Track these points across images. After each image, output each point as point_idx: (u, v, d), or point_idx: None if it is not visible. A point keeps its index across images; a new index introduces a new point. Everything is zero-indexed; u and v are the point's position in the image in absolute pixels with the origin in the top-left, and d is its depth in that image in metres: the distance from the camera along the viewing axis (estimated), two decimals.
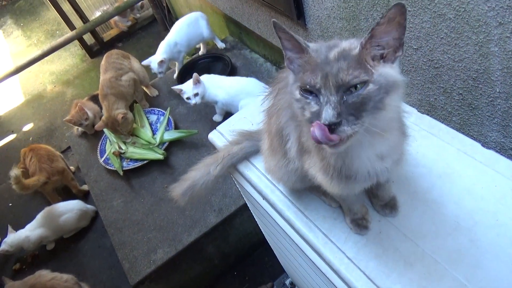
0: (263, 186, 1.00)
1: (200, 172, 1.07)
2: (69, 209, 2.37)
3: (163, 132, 2.13)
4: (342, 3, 1.38)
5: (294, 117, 0.70)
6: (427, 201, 0.81)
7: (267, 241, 1.85)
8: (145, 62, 2.38)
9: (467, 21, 0.98)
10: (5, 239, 2.29)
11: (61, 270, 2.13)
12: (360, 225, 0.81)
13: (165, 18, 3.76)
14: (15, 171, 2.23)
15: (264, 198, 1.01)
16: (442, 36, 1.07)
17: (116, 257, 2.23)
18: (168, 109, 2.25)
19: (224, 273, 1.99)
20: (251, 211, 1.36)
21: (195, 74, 1.99)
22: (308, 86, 0.57)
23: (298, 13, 1.65)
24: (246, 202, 1.36)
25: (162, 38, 2.55)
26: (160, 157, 2.02)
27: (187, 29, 2.50)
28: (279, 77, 0.78)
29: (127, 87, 2.22)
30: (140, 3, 3.93)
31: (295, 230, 0.91)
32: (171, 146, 2.11)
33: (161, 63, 2.33)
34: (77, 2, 3.69)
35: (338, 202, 0.88)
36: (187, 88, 2.01)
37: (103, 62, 2.29)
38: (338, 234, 0.84)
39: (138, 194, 1.98)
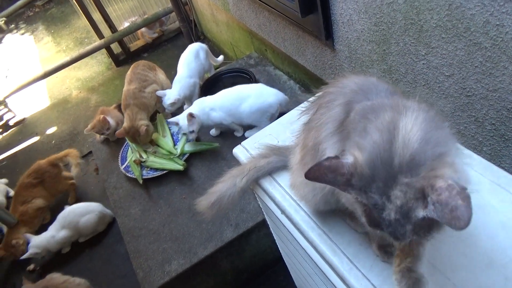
0: (287, 205, 0.99)
1: (226, 185, 1.07)
2: (90, 210, 2.40)
3: (184, 143, 2.15)
4: (373, 26, 1.38)
5: (335, 132, 0.70)
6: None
7: (282, 260, 1.83)
8: (159, 93, 2.27)
9: (504, 51, 0.97)
10: (30, 244, 2.31)
11: (74, 274, 2.15)
12: (387, 252, 0.79)
13: (191, 31, 3.84)
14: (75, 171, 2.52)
15: (287, 217, 1.00)
16: (476, 65, 1.06)
17: (129, 265, 2.23)
18: None
19: None
20: (271, 229, 1.34)
21: (188, 113, 1.96)
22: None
23: (327, 34, 1.66)
24: (266, 219, 1.35)
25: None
26: (180, 168, 2.03)
27: (195, 61, 2.49)
28: (324, 92, 0.78)
29: (149, 98, 2.26)
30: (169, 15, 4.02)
31: (319, 253, 0.89)
32: (191, 157, 2.13)
33: (173, 104, 2.24)
34: (107, 12, 3.80)
35: (365, 228, 0.87)
36: (184, 124, 1.98)
37: (129, 72, 2.34)
38: (364, 260, 0.82)
39: (156, 204, 1.99)
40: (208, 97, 2.09)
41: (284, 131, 1.19)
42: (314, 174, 0.56)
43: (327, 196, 0.81)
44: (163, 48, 4.10)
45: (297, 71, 2.36)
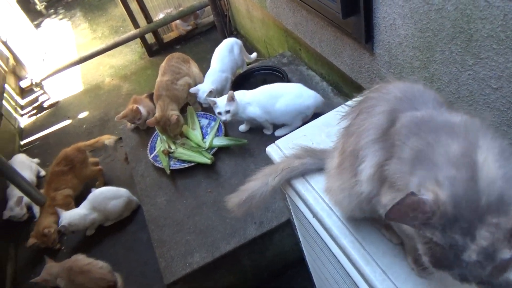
0: (319, 208, 0.98)
1: (258, 183, 1.07)
2: (118, 195, 2.46)
3: (213, 137, 2.16)
4: (417, 32, 1.34)
5: (377, 140, 0.68)
6: None
7: (303, 262, 1.82)
8: (193, 90, 2.31)
9: None
10: (62, 217, 2.37)
11: (97, 257, 2.20)
12: (425, 267, 0.77)
13: (225, 26, 3.85)
14: (108, 141, 2.71)
15: (319, 221, 0.99)
16: None
17: (151, 253, 2.27)
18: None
19: None
20: (297, 230, 1.33)
21: (230, 92, 2.00)
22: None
23: (367, 37, 1.63)
24: (293, 220, 1.34)
25: (219, 44, 2.61)
26: (208, 161, 2.05)
27: (229, 56, 2.52)
28: (366, 97, 0.76)
29: (181, 91, 2.29)
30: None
31: (351, 261, 0.88)
32: (219, 152, 2.14)
33: (210, 93, 2.25)
34: (144, 2, 3.86)
35: (400, 239, 0.85)
36: (221, 103, 2.00)
37: (163, 64, 2.37)
38: (398, 272, 0.80)
39: (182, 195, 2.01)
40: (249, 91, 2.10)
41: (319, 134, 1.18)
42: (396, 213, 0.53)
43: (362, 204, 0.80)
44: (195, 41, 4.13)
45: (331, 73, 2.33)
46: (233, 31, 3.94)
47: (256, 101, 2.02)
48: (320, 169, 1.05)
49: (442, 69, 1.31)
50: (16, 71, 4.18)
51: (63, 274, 2.11)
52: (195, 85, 2.43)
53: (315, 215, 1.00)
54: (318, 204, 0.99)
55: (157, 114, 2.14)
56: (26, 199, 2.64)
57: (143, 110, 2.39)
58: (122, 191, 2.49)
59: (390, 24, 1.47)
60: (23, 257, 2.57)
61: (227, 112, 1.99)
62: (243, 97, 2.04)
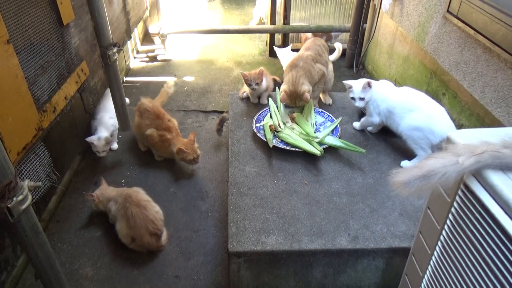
0: None
1: (441, 161, 0.84)
2: None
3: (326, 134, 1.95)
4: None
5: None
6: None
7: None
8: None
9: None
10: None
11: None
12: None
13: (355, 56, 3.73)
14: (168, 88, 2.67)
15: None
16: None
17: (205, 224, 2.10)
18: (340, 119, 2.09)
19: None
20: (434, 251, 1.04)
21: (368, 81, 1.94)
22: None
23: None
24: (420, 240, 1.06)
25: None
26: (317, 152, 1.83)
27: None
28: None
29: (315, 73, 2.14)
30: (340, 34, 4.00)
31: None
32: (327, 151, 1.92)
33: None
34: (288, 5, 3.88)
35: None
36: (357, 88, 1.95)
37: (308, 41, 2.31)
38: None
39: (274, 174, 1.80)
40: (394, 87, 2.00)
41: None
42: None
43: None
44: None
45: (477, 126, 2.04)
46: (358, 64, 3.79)
47: (393, 100, 1.90)
48: None
49: None
50: (146, 19, 4.39)
51: (119, 199, 1.96)
52: (325, 81, 2.27)
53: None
54: None
55: (287, 88, 2.01)
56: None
57: (264, 81, 2.27)
58: None
59: None
60: (81, 170, 2.48)
61: (361, 99, 1.95)
62: (386, 89, 1.96)
